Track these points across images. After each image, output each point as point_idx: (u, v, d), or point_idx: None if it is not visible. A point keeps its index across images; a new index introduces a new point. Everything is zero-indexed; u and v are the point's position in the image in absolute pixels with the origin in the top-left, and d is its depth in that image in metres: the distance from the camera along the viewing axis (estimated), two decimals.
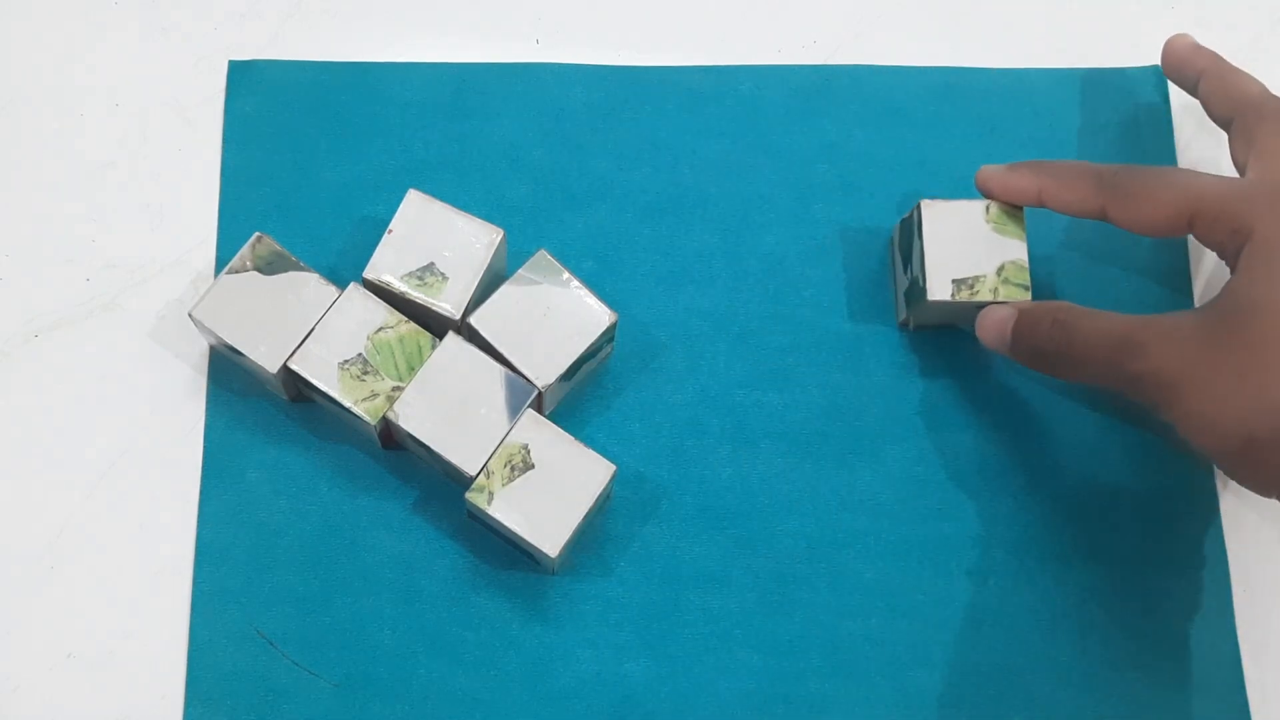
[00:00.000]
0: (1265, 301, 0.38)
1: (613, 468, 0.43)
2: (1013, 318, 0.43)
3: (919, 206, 0.46)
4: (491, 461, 0.43)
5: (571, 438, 0.43)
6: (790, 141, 0.51)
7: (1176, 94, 0.52)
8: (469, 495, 0.43)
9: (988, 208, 0.46)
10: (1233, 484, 0.48)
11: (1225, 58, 0.47)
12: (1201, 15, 0.54)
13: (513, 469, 0.43)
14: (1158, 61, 0.52)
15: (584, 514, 0.43)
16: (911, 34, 0.53)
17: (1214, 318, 0.39)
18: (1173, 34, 0.49)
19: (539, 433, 0.43)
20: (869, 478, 0.47)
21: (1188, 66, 0.48)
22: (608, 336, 0.45)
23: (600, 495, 0.43)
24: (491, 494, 0.43)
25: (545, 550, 0.42)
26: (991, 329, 0.44)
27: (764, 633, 0.45)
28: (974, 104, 0.52)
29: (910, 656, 0.45)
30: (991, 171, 0.46)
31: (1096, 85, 0.52)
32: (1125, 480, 0.47)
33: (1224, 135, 0.45)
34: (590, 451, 0.43)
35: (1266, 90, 0.45)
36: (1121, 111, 0.52)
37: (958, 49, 0.53)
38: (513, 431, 0.43)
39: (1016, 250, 0.45)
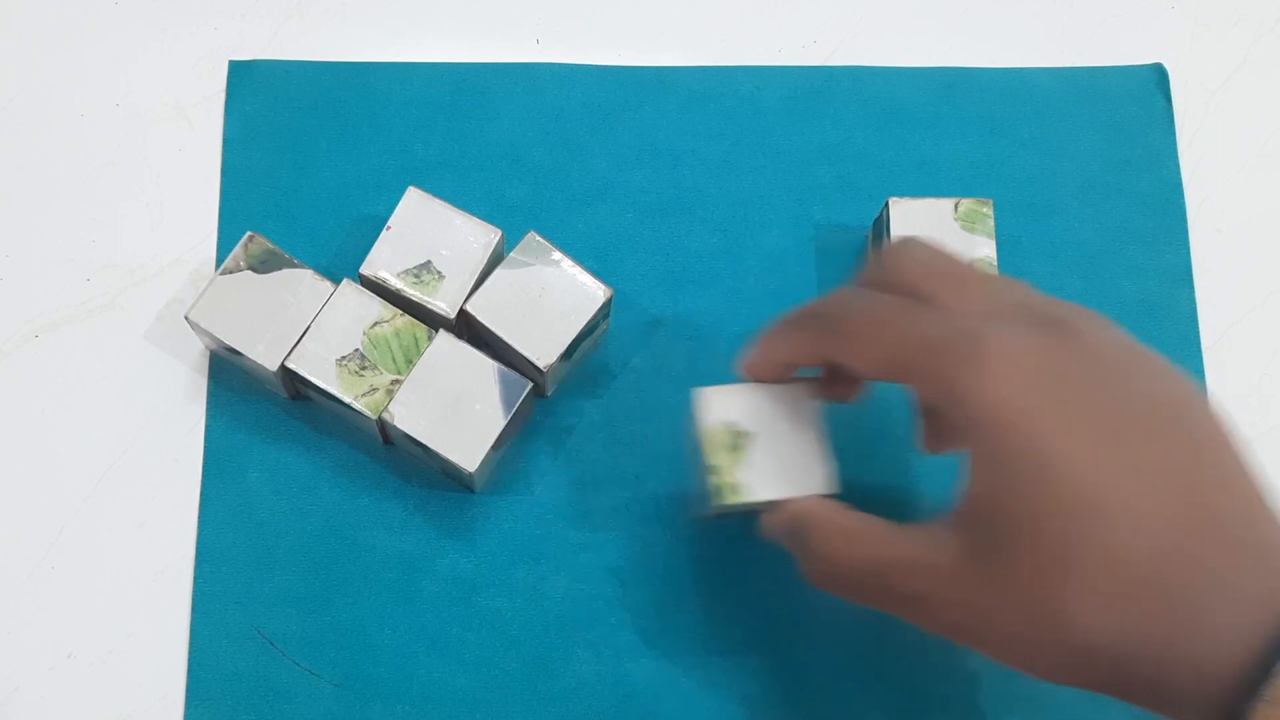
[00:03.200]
0: (1015, 515, 0.33)
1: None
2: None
3: (887, 204, 0.46)
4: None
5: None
6: (790, 142, 0.51)
7: (1177, 94, 0.52)
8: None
9: (956, 205, 0.46)
10: None
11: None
12: (1201, 15, 0.54)
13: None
14: (1158, 61, 0.52)
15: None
16: (911, 34, 0.53)
17: (971, 543, 0.34)
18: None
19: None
20: (867, 474, 0.47)
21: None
22: (604, 313, 0.45)
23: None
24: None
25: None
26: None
27: (766, 632, 0.45)
28: (974, 104, 0.52)
29: (913, 656, 0.45)
30: (749, 361, 0.41)
31: (1096, 85, 0.52)
32: None
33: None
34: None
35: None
36: (1121, 111, 0.52)
37: (958, 49, 0.53)
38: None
39: (985, 247, 0.45)
